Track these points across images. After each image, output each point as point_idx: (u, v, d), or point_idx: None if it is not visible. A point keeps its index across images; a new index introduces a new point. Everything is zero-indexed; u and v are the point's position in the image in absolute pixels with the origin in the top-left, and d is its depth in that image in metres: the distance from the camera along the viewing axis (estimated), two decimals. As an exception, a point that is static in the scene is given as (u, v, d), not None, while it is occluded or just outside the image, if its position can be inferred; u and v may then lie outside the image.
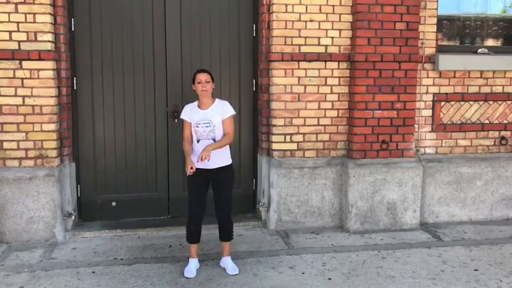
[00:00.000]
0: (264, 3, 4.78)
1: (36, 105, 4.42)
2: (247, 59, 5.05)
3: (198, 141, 3.82)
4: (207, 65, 4.89)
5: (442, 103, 5.14)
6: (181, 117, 3.93)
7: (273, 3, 4.66)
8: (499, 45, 5.49)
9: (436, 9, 5.01)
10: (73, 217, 4.76)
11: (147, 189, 5.04)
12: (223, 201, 3.88)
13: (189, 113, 3.88)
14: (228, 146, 3.90)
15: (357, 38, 4.73)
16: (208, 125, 3.79)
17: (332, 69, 4.85)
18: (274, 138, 4.85)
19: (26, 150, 4.46)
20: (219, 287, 3.66)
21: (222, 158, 3.85)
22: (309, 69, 4.79)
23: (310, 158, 4.91)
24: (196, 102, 3.91)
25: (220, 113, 3.84)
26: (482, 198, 5.24)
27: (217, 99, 3.92)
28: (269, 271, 3.95)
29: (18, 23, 4.31)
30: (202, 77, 3.82)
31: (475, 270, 4.02)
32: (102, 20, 4.78)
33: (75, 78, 4.79)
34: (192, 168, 3.66)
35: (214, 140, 3.80)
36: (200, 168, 3.76)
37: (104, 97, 4.87)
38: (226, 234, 3.96)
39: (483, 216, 5.27)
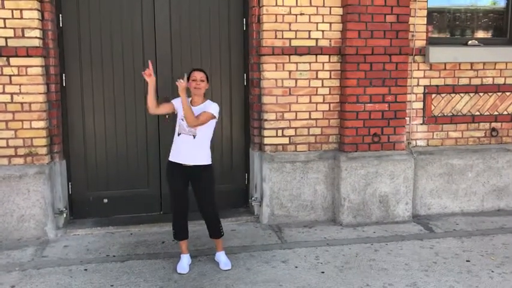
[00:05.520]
0: (254, -4, 4.77)
1: (25, 103, 4.38)
2: (238, 53, 5.03)
3: (178, 135, 3.82)
4: (197, 60, 4.87)
5: (433, 95, 5.15)
6: (172, 100, 3.95)
7: (263, -3, 4.64)
8: (489, 37, 5.50)
9: (426, 1, 5.01)
10: (64, 214, 4.72)
11: (139, 186, 5.01)
12: (204, 197, 3.82)
13: (180, 102, 3.80)
14: (209, 148, 3.86)
15: (347, 31, 4.72)
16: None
17: (323, 63, 4.84)
18: (266, 132, 4.84)
19: (16, 148, 4.42)
20: (212, 282, 3.66)
21: (201, 156, 3.81)
22: (299, 62, 4.78)
23: (302, 152, 4.91)
24: (190, 99, 3.89)
25: (205, 109, 3.83)
26: (474, 190, 5.27)
27: (208, 100, 3.91)
28: (262, 265, 3.95)
29: (4, 19, 4.25)
30: (198, 75, 3.82)
31: (467, 261, 4.04)
32: (91, 15, 4.73)
33: (64, 74, 4.74)
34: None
35: (194, 136, 3.78)
36: (179, 164, 3.78)
37: (94, 93, 4.83)
38: (215, 232, 3.93)
39: (474, 207, 5.30)
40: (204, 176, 3.83)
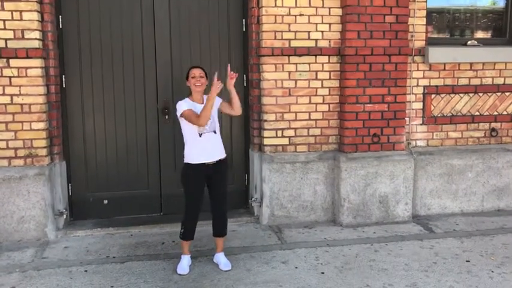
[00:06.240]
0: (253, -3, 4.77)
1: (25, 104, 4.38)
2: (238, 54, 5.03)
3: (200, 135, 3.77)
4: (197, 61, 4.87)
5: (433, 96, 5.15)
6: (185, 109, 3.71)
7: (262, -2, 4.65)
8: (489, 37, 5.51)
9: (426, 1, 5.01)
10: (64, 216, 4.73)
11: (139, 187, 5.01)
12: (221, 196, 3.90)
13: (189, 105, 3.77)
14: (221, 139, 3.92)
15: (346, 31, 4.72)
16: (209, 118, 3.79)
17: (322, 64, 4.84)
18: (265, 133, 4.84)
19: (16, 149, 4.42)
20: (212, 283, 3.66)
21: (221, 149, 3.90)
22: (299, 63, 4.78)
23: (302, 152, 4.91)
24: (187, 98, 3.87)
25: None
26: (474, 190, 5.27)
27: (205, 95, 3.91)
28: (262, 266, 3.95)
29: (4, 20, 4.26)
30: (196, 72, 3.83)
31: (467, 261, 4.04)
32: (91, 17, 4.73)
33: (63, 76, 4.75)
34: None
35: (215, 131, 3.83)
36: (203, 164, 3.77)
37: (94, 94, 4.84)
38: (221, 230, 3.95)
39: (474, 207, 5.30)
40: (225, 171, 3.90)
